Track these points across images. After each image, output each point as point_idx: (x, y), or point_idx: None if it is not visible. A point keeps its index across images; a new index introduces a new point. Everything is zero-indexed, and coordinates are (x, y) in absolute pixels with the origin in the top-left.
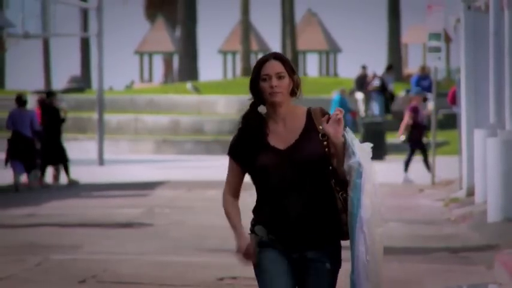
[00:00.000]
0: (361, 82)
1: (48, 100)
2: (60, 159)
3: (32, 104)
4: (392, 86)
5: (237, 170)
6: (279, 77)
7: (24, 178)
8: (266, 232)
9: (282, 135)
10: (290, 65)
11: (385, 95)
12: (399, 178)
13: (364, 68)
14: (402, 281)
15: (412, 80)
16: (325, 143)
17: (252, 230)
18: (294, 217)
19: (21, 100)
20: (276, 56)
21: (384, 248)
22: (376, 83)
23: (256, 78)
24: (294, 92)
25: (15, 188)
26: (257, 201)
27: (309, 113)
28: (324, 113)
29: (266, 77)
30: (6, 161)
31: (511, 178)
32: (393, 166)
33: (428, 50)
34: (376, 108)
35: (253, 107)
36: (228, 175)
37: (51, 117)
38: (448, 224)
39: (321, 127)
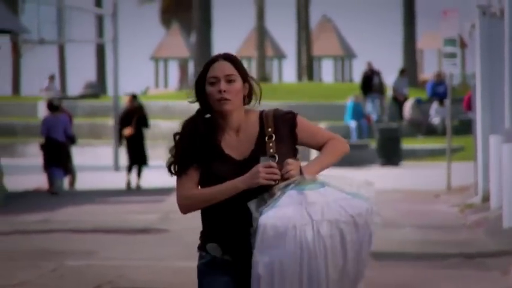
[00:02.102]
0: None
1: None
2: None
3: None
4: (406, 91)
5: (194, 175)
6: (229, 80)
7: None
8: (221, 251)
9: (236, 145)
10: (243, 67)
11: (398, 99)
12: (414, 184)
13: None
14: (417, 286)
15: (428, 86)
16: (271, 144)
17: (202, 248)
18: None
19: (52, 106)
20: (226, 57)
21: (399, 253)
22: (376, 81)
23: (202, 81)
24: (246, 99)
25: (55, 192)
26: (207, 214)
27: (261, 118)
28: (277, 115)
29: (214, 80)
30: (46, 169)
31: None
32: (408, 172)
33: (443, 55)
34: (372, 110)
35: (200, 114)
36: (181, 185)
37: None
38: (464, 229)
39: (270, 129)
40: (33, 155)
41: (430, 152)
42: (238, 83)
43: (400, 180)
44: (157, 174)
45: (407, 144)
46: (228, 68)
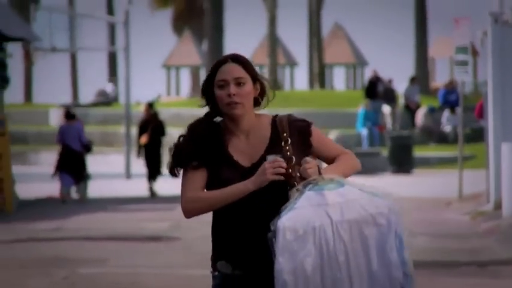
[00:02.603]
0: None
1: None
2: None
3: (58, 117)
4: (417, 98)
5: (200, 178)
6: (238, 83)
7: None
8: (230, 267)
9: (245, 151)
10: (252, 68)
11: (410, 107)
12: (426, 192)
13: (390, 81)
14: None
15: (439, 94)
16: (287, 147)
17: (214, 267)
18: (263, 247)
19: (69, 114)
20: (235, 58)
21: (412, 261)
22: (380, 88)
23: (210, 84)
24: (258, 100)
25: (62, 200)
26: (216, 228)
27: (274, 123)
28: (292, 121)
29: (222, 83)
30: (55, 173)
31: None
32: (420, 180)
33: (455, 63)
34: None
35: (208, 117)
36: (186, 188)
37: None
38: (476, 237)
39: (285, 134)
40: (45, 162)
41: (442, 159)
42: (248, 85)
43: (412, 188)
44: (170, 182)
45: (419, 152)
46: (237, 70)
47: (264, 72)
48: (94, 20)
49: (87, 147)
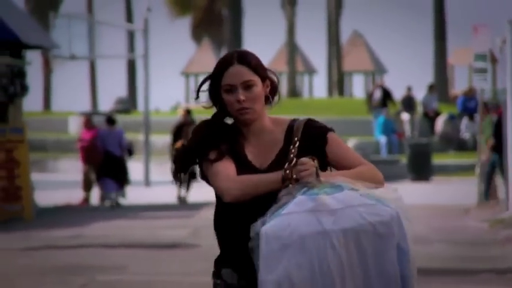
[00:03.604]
0: (408, 103)
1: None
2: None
3: (79, 125)
4: (436, 106)
5: (232, 163)
6: (247, 86)
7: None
8: (236, 277)
9: (257, 153)
10: (260, 65)
11: (428, 115)
12: (445, 199)
13: (409, 89)
14: None
15: (458, 101)
16: (293, 150)
17: (217, 275)
18: None
19: (111, 120)
20: (240, 59)
21: (429, 269)
22: (377, 95)
23: (216, 87)
24: (268, 99)
25: (111, 206)
26: (221, 233)
27: (290, 128)
28: (309, 126)
29: (230, 87)
30: (98, 179)
31: None
32: (439, 187)
33: (474, 71)
34: (377, 128)
35: (217, 118)
36: (225, 169)
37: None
38: (494, 245)
39: (296, 138)
40: (64, 170)
41: (461, 167)
42: (258, 87)
43: (431, 195)
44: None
45: (438, 160)
46: (245, 73)
47: (283, 80)
48: (113, 28)
49: (130, 151)
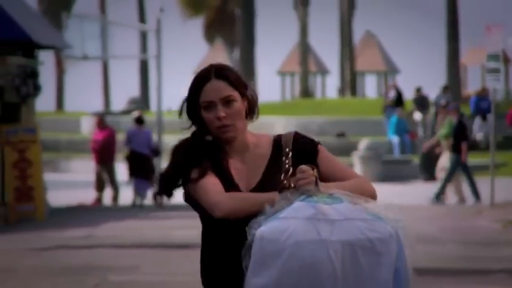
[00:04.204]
0: (421, 103)
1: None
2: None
3: (91, 125)
4: None
5: (218, 181)
6: (227, 102)
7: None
8: None
9: (242, 173)
10: (239, 80)
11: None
12: (457, 199)
13: (418, 90)
14: None
15: (471, 101)
16: (287, 161)
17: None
18: None
19: (140, 119)
20: (218, 73)
21: (441, 269)
22: (391, 95)
23: (194, 105)
24: (246, 114)
25: (140, 206)
26: (206, 254)
27: (276, 142)
28: (297, 138)
29: (208, 104)
30: (130, 179)
31: None
32: (452, 188)
33: (487, 71)
34: (390, 128)
35: (197, 137)
36: (207, 186)
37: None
38: (507, 245)
39: (287, 149)
40: (76, 170)
41: (473, 167)
42: (238, 102)
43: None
44: None
45: None
46: (223, 88)
47: (295, 80)
48: (126, 28)
49: (156, 152)
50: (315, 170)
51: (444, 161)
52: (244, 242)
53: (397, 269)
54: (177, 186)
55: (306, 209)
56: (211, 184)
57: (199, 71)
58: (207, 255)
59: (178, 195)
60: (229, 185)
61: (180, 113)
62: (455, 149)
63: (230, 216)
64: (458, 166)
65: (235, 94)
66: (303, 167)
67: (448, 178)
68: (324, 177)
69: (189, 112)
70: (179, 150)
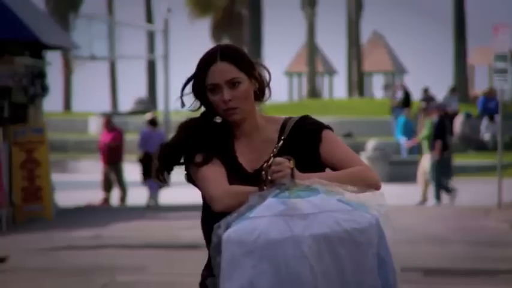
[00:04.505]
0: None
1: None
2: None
3: (99, 125)
4: (456, 106)
5: (222, 169)
6: (233, 84)
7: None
8: None
9: (248, 155)
10: (245, 60)
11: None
12: (464, 200)
13: (426, 90)
14: None
15: (479, 102)
16: (274, 149)
17: (202, 285)
18: None
19: (154, 121)
20: (223, 55)
21: (449, 269)
22: (399, 95)
23: (201, 87)
24: (257, 95)
25: (155, 207)
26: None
27: (284, 126)
28: (301, 124)
29: (214, 87)
30: (145, 180)
31: None
32: (459, 188)
33: (494, 71)
34: (397, 129)
35: (206, 117)
36: (209, 175)
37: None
38: None
39: (283, 137)
40: (84, 170)
41: (481, 167)
42: (244, 83)
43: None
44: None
45: (458, 160)
46: (229, 70)
47: (303, 81)
48: (133, 28)
49: None
50: (291, 162)
51: (425, 162)
52: None
53: (381, 258)
54: (178, 163)
55: (277, 205)
56: (212, 173)
57: (206, 51)
58: (207, 236)
59: (183, 199)
60: (233, 167)
61: (182, 94)
62: (435, 148)
63: (229, 211)
64: (442, 163)
65: (242, 76)
66: (278, 159)
67: (438, 177)
68: (327, 163)
69: (196, 93)
70: (187, 128)
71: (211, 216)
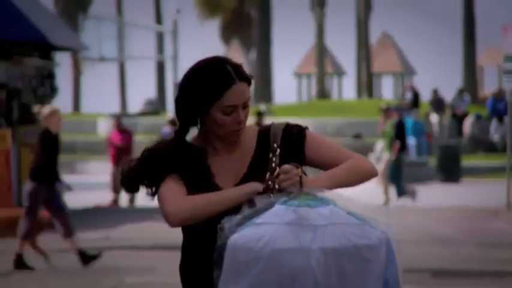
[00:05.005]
0: (437, 105)
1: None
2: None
3: (108, 126)
4: (465, 108)
5: (182, 187)
6: (245, 106)
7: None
8: None
9: (228, 169)
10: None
11: (456, 115)
12: (474, 201)
13: (435, 92)
14: None
15: (488, 103)
16: (274, 158)
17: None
18: None
19: (175, 121)
20: (239, 74)
21: (458, 270)
22: (408, 97)
23: (208, 105)
24: None
25: None
26: (185, 258)
27: (262, 134)
28: (287, 130)
29: (230, 109)
30: None
31: None
32: (468, 189)
33: (503, 72)
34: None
35: (181, 138)
36: (169, 194)
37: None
38: None
39: (275, 144)
40: (93, 172)
41: (490, 169)
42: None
43: (460, 197)
44: None
45: (467, 161)
46: (246, 91)
47: (312, 82)
48: (142, 29)
49: None
50: (300, 169)
51: (385, 162)
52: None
53: (386, 278)
54: (139, 188)
55: (285, 213)
56: (169, 189)
57: (209, 66)
58: (185, 252)
59: None
60: (208, 186)
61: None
62: (397, 148)
63: (186, 223)
64: (396, 163)
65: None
66: (286, 166)
67: (395, 176)
68: (315, 164)
69: (194, 110)
70: (153, 152)
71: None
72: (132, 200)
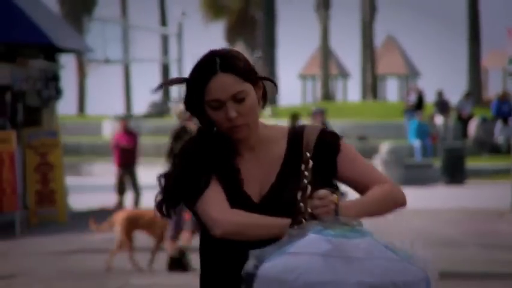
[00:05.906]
0: (442, 107)
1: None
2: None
3: (113, 128)
4: (470, 110)
5: (222, 192)
6: (238, 100)
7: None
8: None
9: (254, 175)
10: (248, 67)
11: (461, 117)
12: (479, 203)
13: (440, 94)
14: None
15: (492, 105)
16: (306, 172)
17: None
18: None
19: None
20: (224, 65)
21: (463, 272)
22: (412, 99)
23: (196, 102)
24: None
25: None
26: (206, 266)
27: (292, 136)
28: (322, 136)
29: (215, 104)
30: None
31: None
32: (473, 191)
33: (508, 74)
34: (411, 132)
35: (203, 134)
36: (208, 199)
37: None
38: None
39: (308, 153)
40: (98, 174)
41: (495, 171)
42: (250, 95)
43: (465, 199)
44: None
45: (471, 163)
46: (232, 83)
47: (317, 84)
48: (147, 32)
49: None
50: (336, 196)
51: None
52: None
53: None
54: (182, 198)
55: (320, 243)
56: (213, 196)
57: (200, 58)
58: (205, 272)
59: None
60: (236, 192)
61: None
62: None
63: (229, 237)
64: None
65: (247, 86)
66: (322, 192)
67: None
68: (344, 179)
69: (192, 109)
70: (183, 155)
71: (212, 242)
72: (137, 202)
